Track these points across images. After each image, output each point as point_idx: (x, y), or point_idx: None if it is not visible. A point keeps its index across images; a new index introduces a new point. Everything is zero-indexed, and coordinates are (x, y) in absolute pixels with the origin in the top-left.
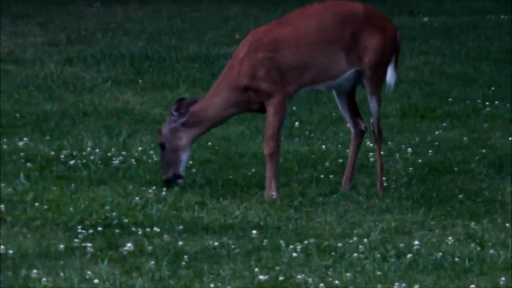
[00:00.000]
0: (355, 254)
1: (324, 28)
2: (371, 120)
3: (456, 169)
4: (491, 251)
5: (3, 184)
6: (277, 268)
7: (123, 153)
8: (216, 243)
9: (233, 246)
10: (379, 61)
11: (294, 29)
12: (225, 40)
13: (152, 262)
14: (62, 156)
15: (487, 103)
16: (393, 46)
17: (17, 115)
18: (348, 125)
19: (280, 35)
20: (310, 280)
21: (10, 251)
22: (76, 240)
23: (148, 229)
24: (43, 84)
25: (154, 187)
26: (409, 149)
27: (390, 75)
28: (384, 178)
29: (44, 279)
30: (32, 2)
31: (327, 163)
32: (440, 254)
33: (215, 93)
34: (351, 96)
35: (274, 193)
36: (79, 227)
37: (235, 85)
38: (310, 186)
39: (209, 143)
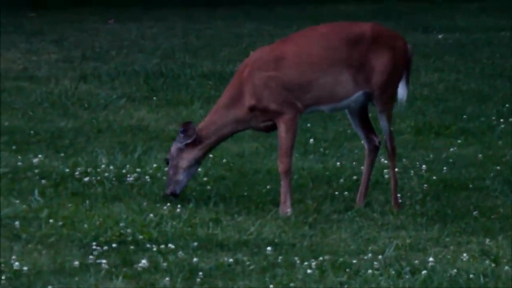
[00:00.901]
0: (370, 271)
1: (328, 49)
2: (384, 137)
3: (471, 186)
4: (506, 267)
5: (17, 201)
6: (291, 284)
7: (138, 170)
8: (230, 260)
9: (247, 263)
10: (388, 81)
11: (297, 48)
12: (240, 57)
13: (167, 278)
14: (76, 173)
15: (501, 120)
16: (403, 63)
17: (32, 132)
18: (362, 141)
19: (282, 53)
20: None
21: (25, 268)
22: (90, 256)
23: (162, 246)
24: (57, 101)
25: (168, 204)
26: (424, 166)
27: (401, 91)
28: (398, 195)
29: None
30: (47, 19)
31: (341, 180)
32: (455, 270)
33: (217, 111)
34: (364, 112)
35: (289, 210)
36: (94, 243)
37: (239, 104)
38: (325, 203)
39: (224, 160)
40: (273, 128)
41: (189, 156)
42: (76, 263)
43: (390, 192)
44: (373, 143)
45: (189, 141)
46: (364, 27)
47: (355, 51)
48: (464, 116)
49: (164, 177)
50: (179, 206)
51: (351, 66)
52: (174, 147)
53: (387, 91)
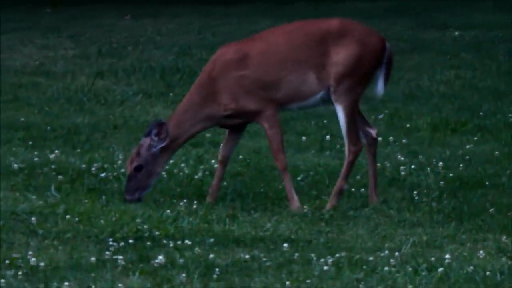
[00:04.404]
0: (386, 268)
1: (294, 47)
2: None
3: (487, 183)
4: None
5: (34, 197)
6: (308, 281)
7: None
8: (247, 256)
9: (264, 259)
10: (344, 73)
11: (264, 45)
12: None
13: (184, 274)
14: (93, 168)
15: None
16: (372, 60)
17: (48, 127)
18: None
19: (249, 51)
20: None
21: (42, 264)
22: (107, 252)
23: (179, 242)
24: (74, 97)
25: (185, 200)
26: (440, 163)
27: (378, 87)
28: (415, 192)
29: None
30: (63, 15)
31: (358, 177)
32: (471, 268)
33: (187, 110)
34: None
35: (299, 204)
36: (110, 239)
37: (213, 102)
38: (341, 200)
39: (240, 156)
40: (241, 125)
41: (163, 160)
42: (93, 259)
43: (406, 188)
44: (370, 135)
45: (163, 145)
46: (332, 23)
47: (320, 49)
48: (481, 113)
49: (180, 173)
50: (195, 202)
51: (315, 65)
52: (146, 152)
53: (343, 83)
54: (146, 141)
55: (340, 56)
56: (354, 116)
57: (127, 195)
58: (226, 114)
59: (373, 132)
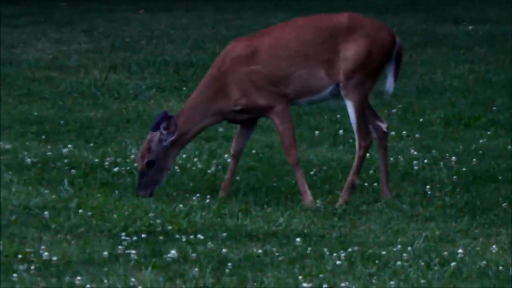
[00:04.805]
0: (399, 262)
1: (303, 42)
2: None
3: (500, 177)
4: None
5: (47, 191)
6: (321, 276)
7: None
8: (260, 251)
9: (277, 254)
10: (354, 69)
11: (274, 41)
12: None
13: (196, 269)
14: (106, 163)
15: None
16: (382, 54)
17: (61, 122)
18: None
19: (259, 46)
20: None
21: (54, 258)
22: (120, 247)
23: (192, 236)
24: (87, 91)
25: (198, 194)
26: (453, 157)
27: (388, 83)
28: (428, 187)
29: (88, 286)
30: (77, 9)
31: (371, 171)
32: (484, 262)
33: (196, 104)
34: None
35: (311, 198)
36: (123, 234)
37: (223, 97)
38: (354, 194)
39: (253, 151)
40: (252, 120)
41: (173, 154)
42: (105, 253)
43: (419, 183)
44: (381, 129)
45: (173, 138)
46: (341, 18)
47: (329, 44)
48: (494, 108)
49: (193, 168)
50: (208, 196)
51: (324, 60)
52: (157, 146)
53: (352, 79)
54: (155, 136)
55: (349, 52)
56: (364, 111)
57: (139, 191)
58: (236, 109)
59: (383, 126)
